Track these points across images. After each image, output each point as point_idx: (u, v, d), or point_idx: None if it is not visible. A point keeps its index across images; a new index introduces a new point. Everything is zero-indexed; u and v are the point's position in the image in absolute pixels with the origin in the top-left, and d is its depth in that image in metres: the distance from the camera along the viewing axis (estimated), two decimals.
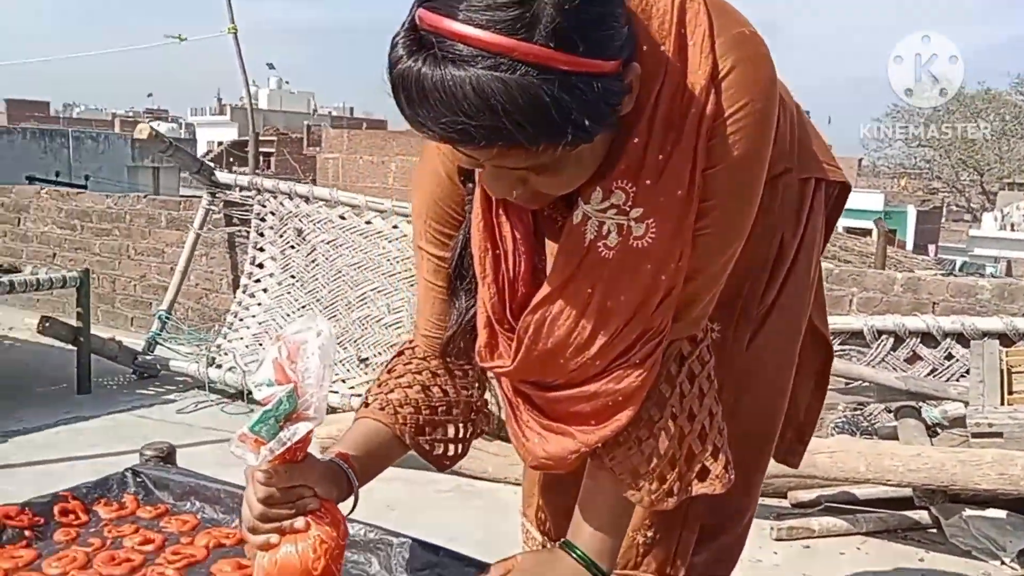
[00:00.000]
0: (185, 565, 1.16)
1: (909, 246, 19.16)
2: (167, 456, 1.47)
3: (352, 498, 1.05)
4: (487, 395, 1.23)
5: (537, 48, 0.75)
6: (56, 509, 1.28)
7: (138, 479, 1.40)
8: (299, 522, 0.95)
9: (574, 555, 1.06)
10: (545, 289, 0.98)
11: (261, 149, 16.05)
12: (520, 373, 1.04)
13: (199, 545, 1.22)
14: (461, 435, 1.20)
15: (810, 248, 1.26)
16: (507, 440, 3.52)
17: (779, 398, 1.30)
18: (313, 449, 1.01)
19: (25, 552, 1.17)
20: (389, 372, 1.17)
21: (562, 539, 1.10)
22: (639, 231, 0.93)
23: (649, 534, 1.23)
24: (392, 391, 1.14)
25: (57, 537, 1.23)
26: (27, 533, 1.22)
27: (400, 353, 1.20)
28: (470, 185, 1.03)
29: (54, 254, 6.14)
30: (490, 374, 1.14)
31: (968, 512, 2.75)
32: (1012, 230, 21.80)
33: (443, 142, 0.82)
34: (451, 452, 1.19)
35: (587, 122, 0.78)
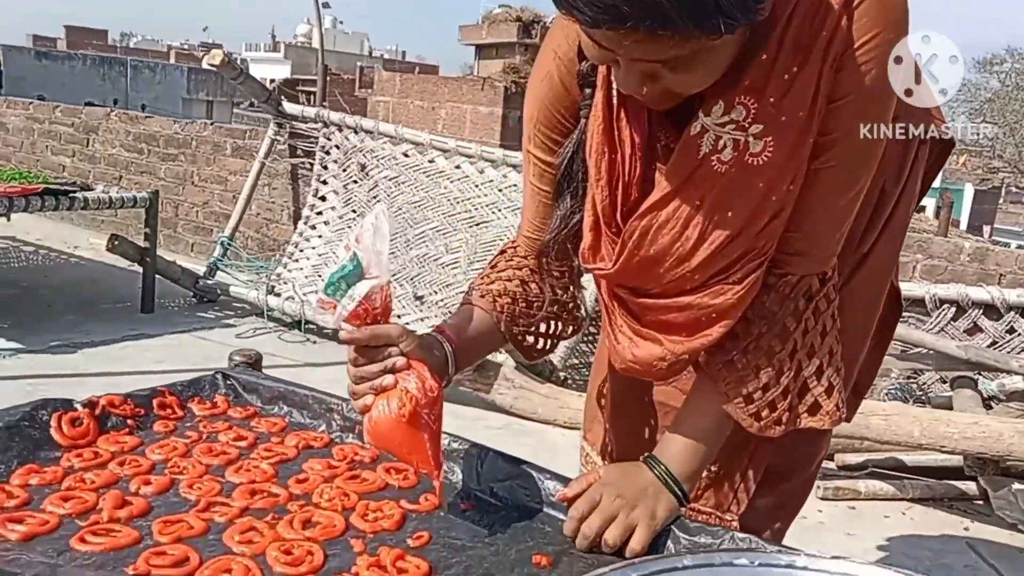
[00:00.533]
0: (278, 461, 1.21)
1: (963, 225, 18.67)
2: (255, 363, 1.52)
3: (451, 368, 1.10)
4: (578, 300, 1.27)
5: None
6: (155, 402, 1.34)
7: (228, 382, 1.45)
8: (387, 379, 1.00)
9: (656, 471, 1.09)
10: (655, 195, 1.00)
11: (312, 89, 15.98)
12: (619, 277, 1.07)
13: (289, 445, 1.27)
14: (550, 331, 1.25)
15: (908, 199, 1.25)
16: (558, 383, 3.58)
17: (860, 345, 1.31)
18: None
19: (129, 438, 1.23)
20: (492, 268, 1.23)
21: (647, 454, 1.13)
22: (756, 148, 0.94)
23: (713, 469, 1.24)
24: (493, 283, 1.20)
25: (156, 428, 1.28)
26: (129, 422, 1.28)
27: (503, 251, 1.25)
28: (588, 90, 1.05)
29: (120, 176, 6.26)
30: (585, 282, 1.17)
31: (1017, 486, 2.74)
32: None
33: (592, 26, 0.83)
34: (540, 345, 1.25)
35: (735, 11, 0.80)
